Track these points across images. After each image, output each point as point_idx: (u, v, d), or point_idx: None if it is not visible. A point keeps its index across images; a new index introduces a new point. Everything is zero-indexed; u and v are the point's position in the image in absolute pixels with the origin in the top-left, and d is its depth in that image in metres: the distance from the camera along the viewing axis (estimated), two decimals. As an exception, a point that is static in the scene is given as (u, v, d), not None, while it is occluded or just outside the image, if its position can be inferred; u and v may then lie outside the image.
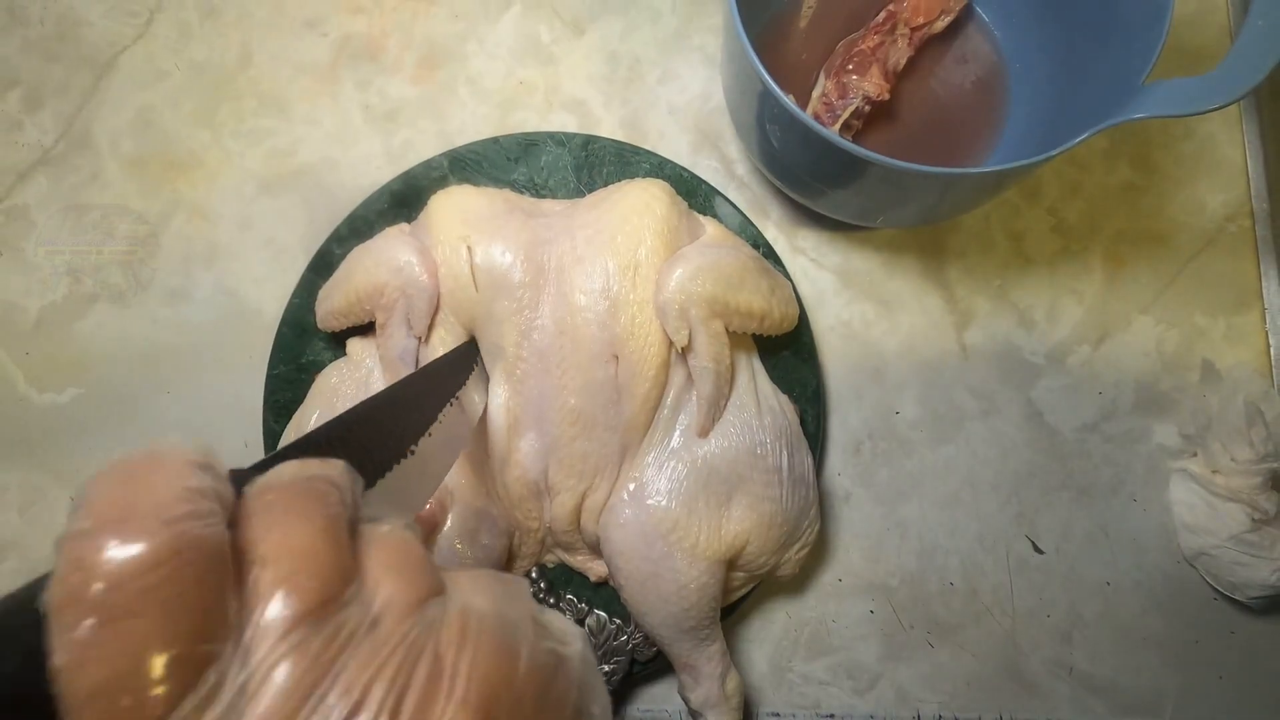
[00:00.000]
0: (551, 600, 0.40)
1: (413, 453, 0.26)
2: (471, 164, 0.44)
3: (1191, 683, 0.42)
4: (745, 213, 0.44)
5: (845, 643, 0.43)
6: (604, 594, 0.41)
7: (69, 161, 0.48)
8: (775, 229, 0.47)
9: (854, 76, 0.43)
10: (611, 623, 0.40)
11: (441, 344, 0.37)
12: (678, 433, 0.38)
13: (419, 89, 0.49)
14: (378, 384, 0.39)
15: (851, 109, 0.43)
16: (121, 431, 0.45)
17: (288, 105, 0.49)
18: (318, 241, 0.43)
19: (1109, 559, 0.43)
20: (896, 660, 0.43)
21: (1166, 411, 0.45)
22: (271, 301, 0.46)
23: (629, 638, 0.40)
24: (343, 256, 0.41)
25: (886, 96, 0.43)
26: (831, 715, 0.42)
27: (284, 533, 0.15)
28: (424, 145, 0.48)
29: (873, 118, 0.44)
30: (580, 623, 0.40)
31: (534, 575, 0.41)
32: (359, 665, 0.14)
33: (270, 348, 0.43)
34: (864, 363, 0.45)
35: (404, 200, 0.44)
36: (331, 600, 0.14)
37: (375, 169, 0.48)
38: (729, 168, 0.48)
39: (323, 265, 0.43)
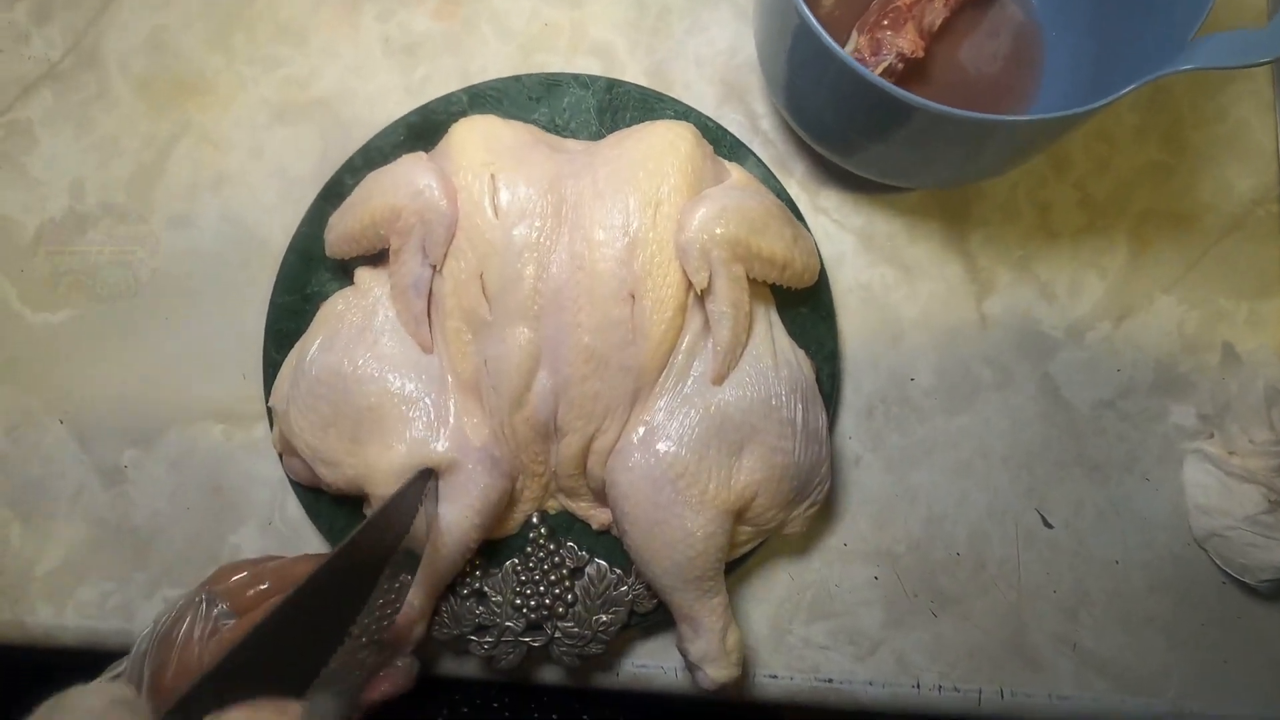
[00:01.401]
0: (552, 546, 0.39)
1: (350, 636, 0.25)
2: (492, 101, 0.43)
3: (1196, 665, 0.42)
4: (769, 168, 0.43)
5: (847, 608, 0.42)
6: (605, 543, 0.40)
7: (76, 78, 0.47)
8: (798, 187, 0.46)
9: (889, 32, 0.42)
10: (612, 572, 0.39)
11: (451, 276, 0.36)
12: (691, 379, 0.37)
13: (441, 24, 0.48)
14: (385, 314, 0.38)
15: (885, 65, 0.42)
16: (115, 356, 0.44)
17: (306, 34, 0.47)
18: (329, 174, 0.42)
19: (1118, 537, 0.43)
20: (898, 628, 0.42)
21: (1184, 392, 0.44)
22: (278, 232, 0.45)
23: (629, 589, 0.39)
24: (355, 187, 0.40)
25: (921, 54, 0.42)
26: (830, 680, 0.41)
27: None
28: (443, 82, 0.47)
29: (904, 78, 0.43)
30: (580, 571, 0.39)
31: (535, 520, 0.40)
32: None
33: (274, 278, 0.42)
34: (881, 327, 0.44)
35: (421, 133, 0.42)
36: None
37: (393, 103, 0.46)
38: (754, 123, 0.47)
39: (334, 194, 0.42)
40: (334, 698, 0.24)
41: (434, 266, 0.36)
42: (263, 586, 0.33)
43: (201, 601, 0.32)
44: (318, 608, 0.26)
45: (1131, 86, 0.31)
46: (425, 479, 0.35)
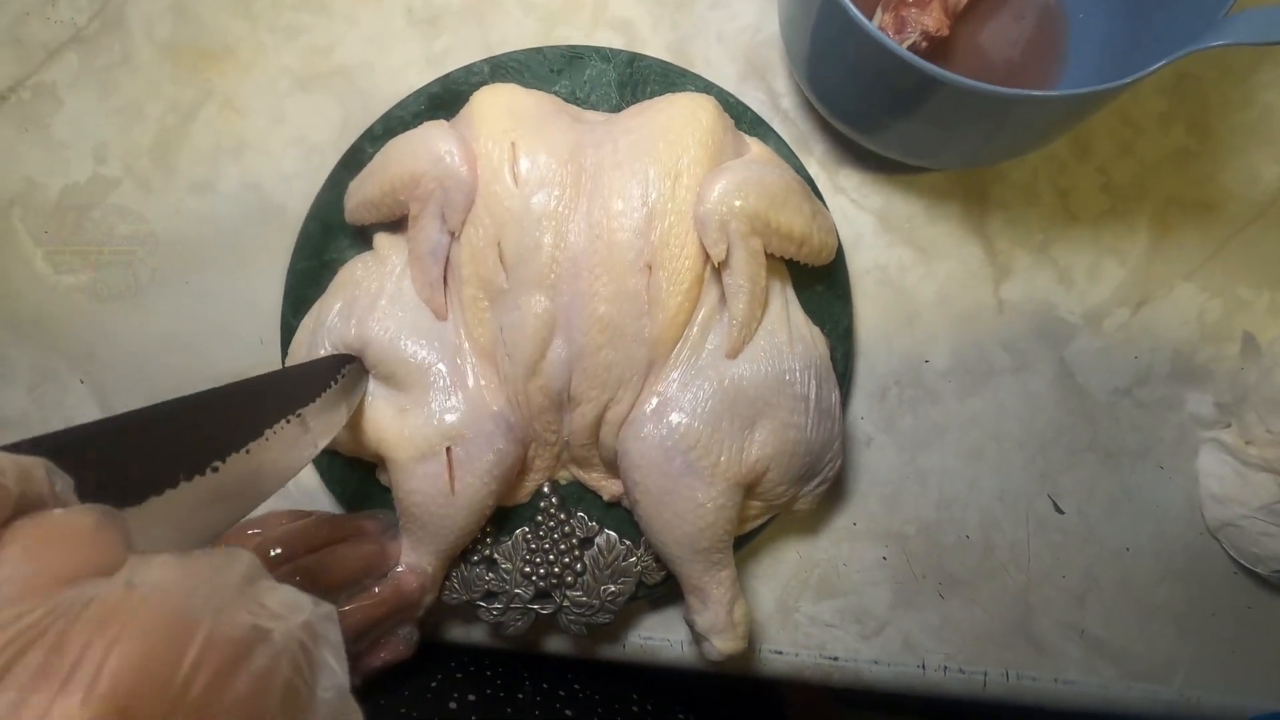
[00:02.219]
0: (563, 516, 0.40)
1: (214, 470, 0.23)
2: (513, 72, 0.43)
3: (1204, 655, 0.41)
4: (789, 147, 0.42)
5: (855, 587, 0.42)
6: (615, 514, 0.40)
7: (101, 42, 0.47)
8: (818, 166, 0.45)
9: (914, 10, 0.42)
10: (621, 543, 0.40)
11: (469, 243, 0.36)
12: (706, 352, 0.37)
13: (464, -4, 0.48)
14: (403, 280, 0.38)
15: (909, 43, 0.41)
16: (136, 318, 0.45)
17: (329, 2, 0.47)
18: (349, 142, 0.42)
19: (1130, 525, 0.43)
20: (906, 609, 0.42)
21: (1202, 381, 0.44)
22: (298, 199, 0.45)
23: (638, 560, 0.39)
24: (375, 155, 0.40)
25: (946, 32, 0.42)
26: (836, 658, 0.42)
27: None
28: (464, 54, 0.47)
29: (927, 58, 0.43)
30: (589, 542, 0.40)
31: (546, 490, 0.40)
32: None
33: (293, 245, 0.42)
34: (897, 308, 0.44)
35: (442, 103, 0.42)
36: None
37: (414, 74, 0.46)
38: (775, 101, 0.46)
39: (354, 162, 0.42)
40: (169, 544, 0.21)
41: (452, 233, 0.36)
42: (275, 551, 0.33)
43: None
44: (176, 429, 0.23)
45: (1162, 62, 0.31)
46: (344, 361, 0.34)
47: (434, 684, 0.40)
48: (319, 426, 0.30)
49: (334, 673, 0.17)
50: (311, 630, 0.17)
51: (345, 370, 0.34)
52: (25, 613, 0.13)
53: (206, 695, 0.14)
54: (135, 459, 0.21)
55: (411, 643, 0.36)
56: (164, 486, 0.21)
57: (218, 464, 0.23)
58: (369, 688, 0.37)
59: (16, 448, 0.18)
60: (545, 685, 0.42)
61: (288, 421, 0.28)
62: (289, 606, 0.17)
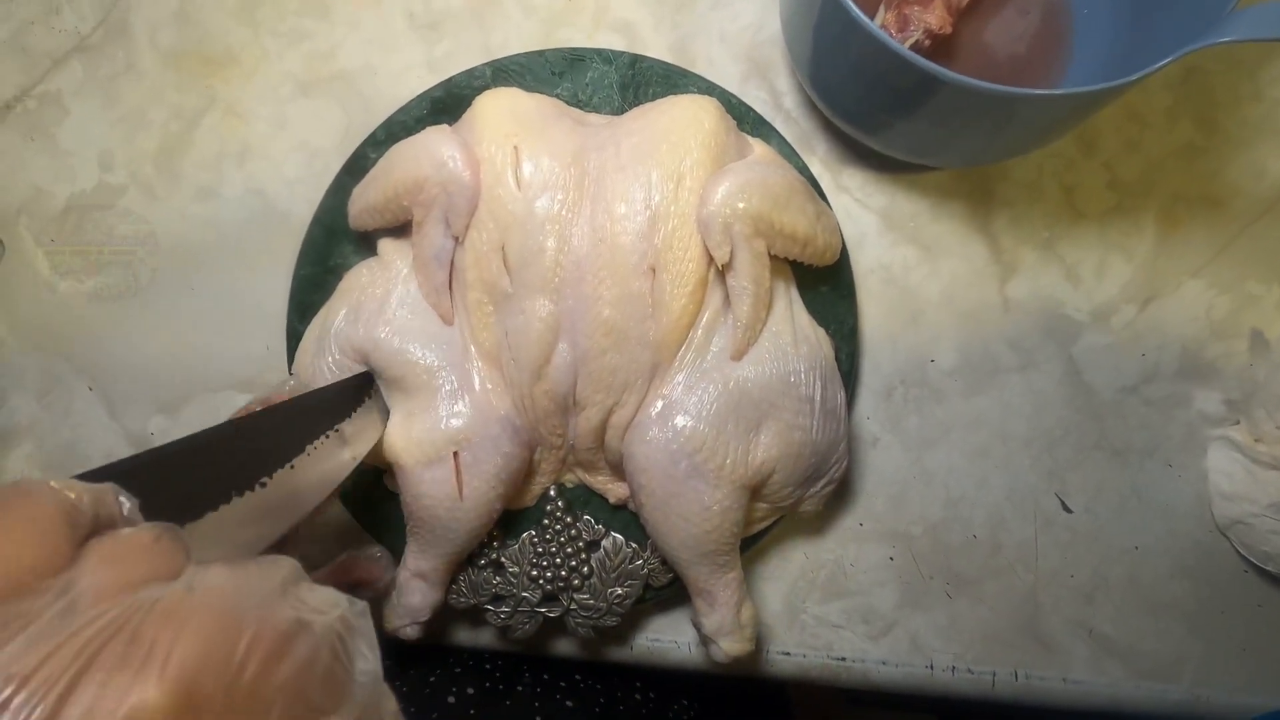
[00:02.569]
0: (569, 519, 0.40)
1: (263, 485, 0.25)
2: (515, 75, 0.43)
3: (1213, 653, 0.41)
4: (792, 146, 0.42)
5: (862, 587, 0.42)
6: (622, 517, 0.40)
7: (105, 50, 0.47)
8: (821, 165, 0.45)
9: (916, 8, 0.42)
10: (628, 546, 0.40)
11: (472, 248, 0.36)
12: (711, 354, 0.37)
13: (465, 0, 0.48)
14: (407, 285, 0.38)
15: (912, 41, 0.41)
16: (142, 325, 0.45)
17: (330, 7, 0.47)
18: (352, 147, 0.42)
19: (1139, 523, 0.42)
20: (913, 609, 0.42)
21: (1210, 378, 0.43)
22: (301, 205, 0.45)
23: (644, 563, 0.39)
24: (378, 161, 0.40)
25: (949, 30, 0.41)
26: (843, 658, 0.42)
27: None
28: (466, 57, 0.47)
29: (930, 56, 0.43)
30: (596, 545, 0.40)
31: (552, 493, 0.40)
32: (26, 647, 0.14)
33: (297, 250, 0.42)
34: (902, 307, 0.44)
35: (444, 108, 0.42)
36: (15, 590, 0.15)
37: (415, 78, 0.47)
38: (777, 100, 0.46)
39: (357, 168, 0.42)
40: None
41: (456, 238, 0.36)
42: None
43: None
44: (228, 450, 0.25)
45: (1168, 59, 0.30)
46: (370, 380, 0.35)
47: (432, 679, 0.40)
48: (356, 439, 0.33)
49: (367, 659, 0.19)
50: (347, 623, 0.19)
51: (378, 384, 0.35)
52: (105, 612, 0.15)
53: (258, 678, 0.16)
54: (193, 479, 0.23)
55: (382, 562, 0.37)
56: (219, 503, 0.23)
57: (265, 480, 0.25)
58: None
59: (89, 476, 0.20)
60: (546, 676, 0.42)
61: (327, 436, 0.30)
62: (327, 603, 0.19)
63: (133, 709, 0.14)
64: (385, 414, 0.36)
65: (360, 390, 0.35)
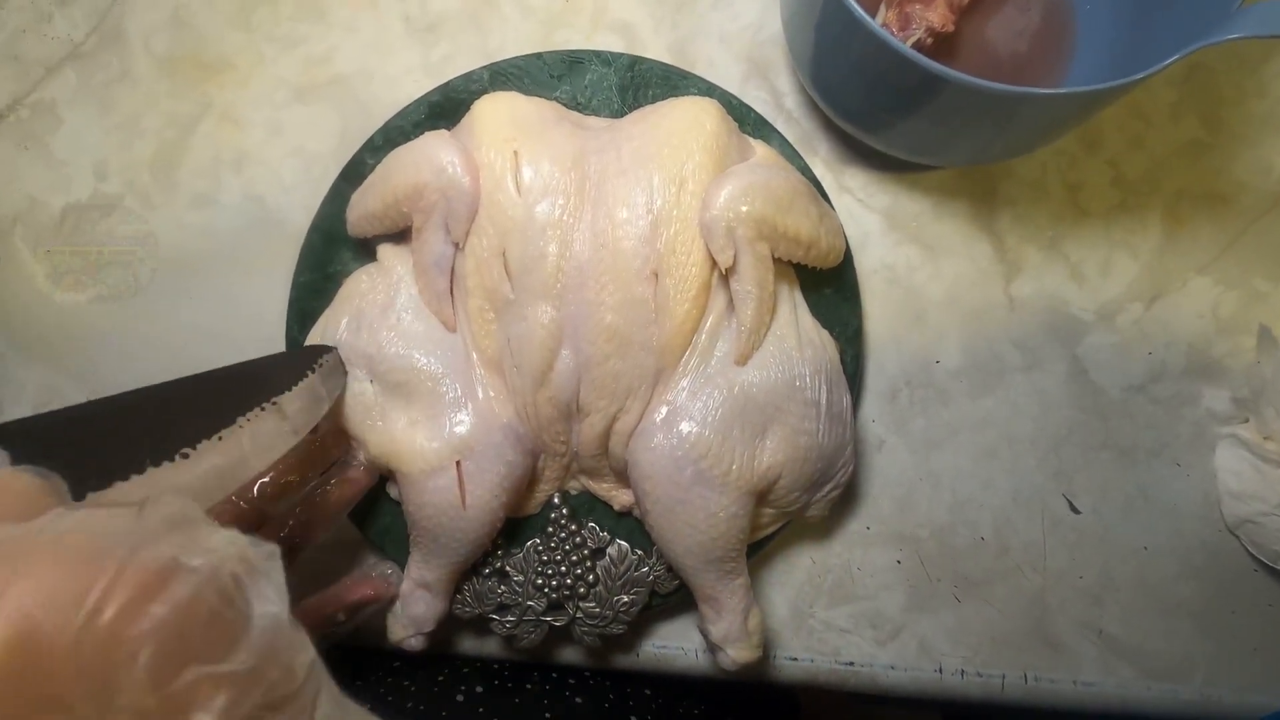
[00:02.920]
0: (574, 527, 0.39)
1: (184, 456, 0.23)
2: (513, 78, 0.43)
3: (1224, 653, 0.41)
4: (794, 147, 0.42)
5: (869, 592, 0.42)
6: (626, 524, 0.40)
7: (99, 58, 0.47)
8: (823, 166, 0.45)
9: (918, 6, 0.41)
10: (633, 553, 0.39)
11: (473, 254, 0.36)
12: (715, 359, 0.36)
13: (462, 2, 0.47)
14: (408, 292, 0.37)
15: (914, 39, 0.41)
16: (140, 335, 0.45)
17: (326, 11, 0.47)
18: (349, 153, 0.42)
19: (1147, 523, 0.42)
20: (921, 612, 0.42)
21: (1217, 377, 0.43)
22: (299, 211, 0.45)
23: (650, 569, 0.39)
24: (376, 166, 0.40)
25: (951, 28, 0.41)
26: (851, 663, 0.41)
27: None
28: (463, 60, 0.46)
29: (932, 54, 0.42)
30: (601, 552, 0.39)
31: (556, 501, 0.40)
32: None
33: (296, 257, 0.42)
34: (906, 308, 0.44)
35: (442, 112, 0.42)
36: None
37: (413, 82, 0.46)
38: (778, 100, 0.46)
39: (355, 174, 0.41)
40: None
41: (456, 244, 0.36)
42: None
43: None
44: (149, 416, 0.23)
45: (1175, 56, 0.30)
46: (322, 351, 0.33)
47: (441, 677, 0.40)
48: (296, 415, 0.30)
49: (271, 603, 0.17)
50: (248, 564, 0.17)
51: (323, 360, 0.33)
52: None
53: (118, 621, 0.15)
54: (103, 444, 0.21)
55: (392, 585, 0.36)
56: (129, 471, 0.21)
57: (188, 451, 0.23)
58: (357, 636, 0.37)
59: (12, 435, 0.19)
60: (554, 674, 0.42)
61: (262, 409, 0.28)
62: (226, 542, 0.17)
63: None
64: (333, 391, 0.34)
65: (305, 363, 0.33)
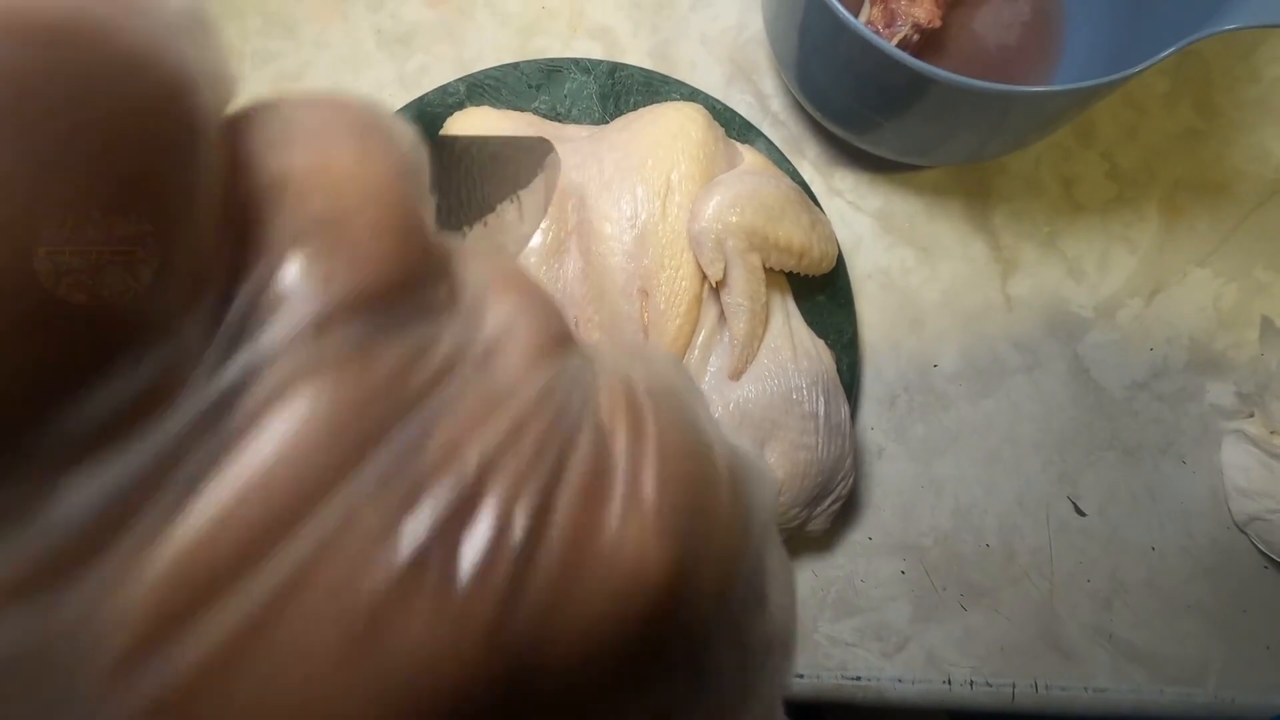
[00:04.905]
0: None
1: (488, 220, 0.19)
2: (490, 90, 0.42)
3: (1237, 653, 0.40)
4: (781, 150, 0.41)
5: (874, 603, 0.41)
6: (624, 545, 0.39)
7: (63, 82, 0.45)
8: (812, 169, 0.44)
9: (903, 2, 0.40)
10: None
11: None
12: (709, 376, 0.35)
13: (435, 12, 0.46)
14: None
15: (900, 37, 0.40)
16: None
17: (296, 26, 0.46)
18: (325, 171, 0.41)
19: (1155, 523, 0.41)
20: (927, 622, 0.41)
21: (1221, 370, 0.42)
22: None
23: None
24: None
25: (938, 24, 0.40)
26: (858, 677, 0.40)
27: (321, 154, 0.08)
28: (439, 72, 0.45)
29: (920, 50, 0.41)
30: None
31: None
32: (469, 418, 0.08)
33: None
34: (902, 312, 0.43)
35: (418, 128, 0.41)
36: (404, 287, 0.08)
37: (388, 96, 0.45)
38: (764, 103, 0.45)
39: (331, 194, 0.40)
40: None
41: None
42: None
43: None
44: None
45: (1167, 51, 0.29)
46: (549, 148, 0.31)
47: None
48: (529, 216, 0.27)
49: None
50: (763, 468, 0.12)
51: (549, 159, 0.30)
52: (549, 381, 0.09)
53: (728, 536, 0.10)
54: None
55: None
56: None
57: (466, 230, 0.19)
58: None
59: None
60: None
61: (510, 201, 0.25)
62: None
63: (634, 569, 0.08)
64: (550, 194, 0.31)
65: (541, 155, 0.29)
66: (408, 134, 0.10)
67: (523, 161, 0.26)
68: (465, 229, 0.19)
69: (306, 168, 0.08)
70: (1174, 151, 0.44)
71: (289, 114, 0.08)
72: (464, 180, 0.20)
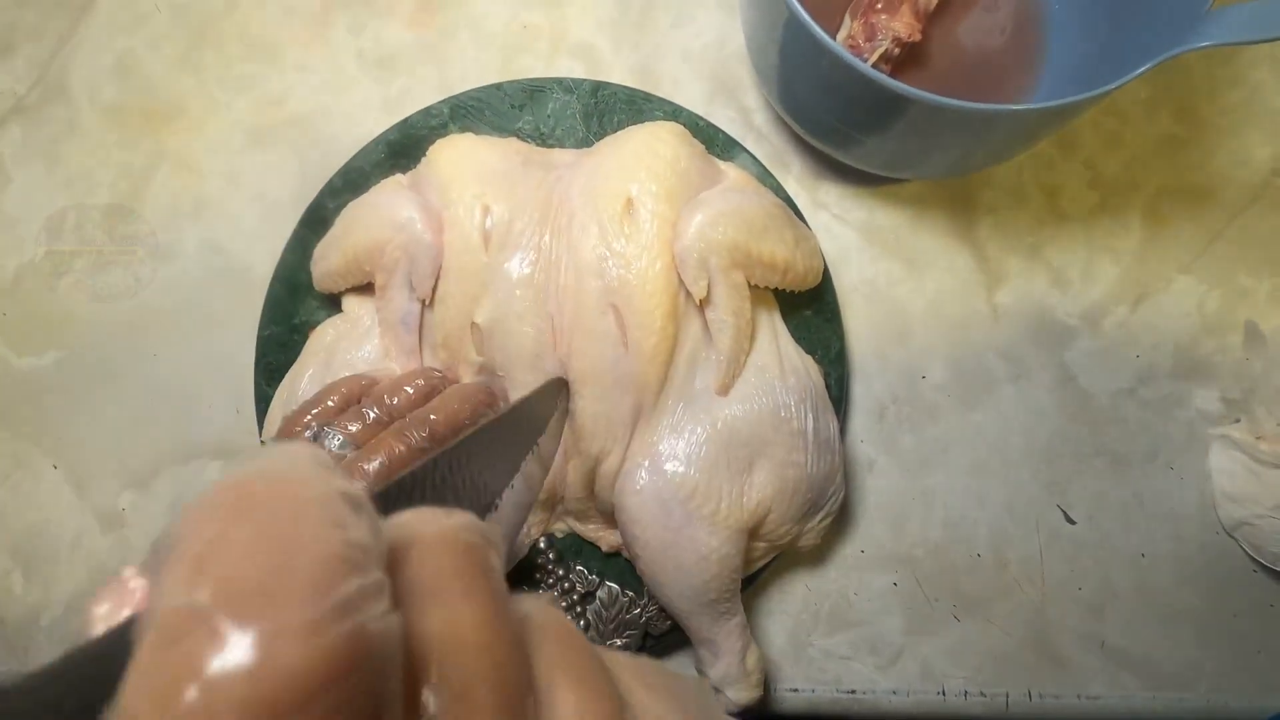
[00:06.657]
0: (561, 571, 0.38)
1: (495, 508, 0.21)
2: (473, 112, 0.42)
3: (1228, 658, 0.40)
4: (764, 166, 0.41)
5: (867, 616, 0.41)
6: (616, 565, 0.39)
7: (44, 111, 0.45)
8: (796, 183, 0.44)
9: (883, 16, 0.40)
10: (624, 595, 0.38)
11: (441, 303, 0.34)
12: (695, 393, 0.35)
13: (416, 34, 0.46)
14: (376, 343, 0.36)
15: (880, 51, 0.40)
16: (105, 396, 0.43)
17: (277, 50, 0.46)
18: (310, 195, 0.41)
19: (1144, 530, 0.42)
20: (920, 634, 0.41)
21: (1207, 376, 0.42)
22: (262, 258, 0.43)
23: (642, 611, 0.38)
24: (337, 210, 0.39)
25: (918, 37, 0.40)
26: (853, 691, 0.40)
27: (449, 617, 0.11)
28: (422, 94, 0.45)
29: (901, 64, 0.42)
30: (591, 596, 0.38)
31: (543, 545, 0.39)
32: None
33: (261, 307, 0.40)
34: (889, 324, 0.43)
35: (401, 150, 0.41)
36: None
37: (371, 119, 0.45)
38: (747, 118, 0.45)
39: (316, 220, 0.40)
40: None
41: (422, 301, 0.35)
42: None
43: (314, 432, 0.30)
44: (475, 466, 0.21)
45: (1144, 67, 0.29)
46: (563, 385, 0.32)
47: None
48: (546, 455, 0.28)
49: None
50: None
51: (563, 393, 0.32)
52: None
53: None
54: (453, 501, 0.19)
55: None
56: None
57: (497, 501, 0.21)
58: None
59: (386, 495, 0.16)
60: None
61: (531, 453, 0.25)
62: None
63: None
64: (563, 421, 0.32)
65: (553, 398, 0.30)
66: (482, 528, 0.12)
67: (531, 417, 0.27)
68: (496, 501, 0.21)
69: (435, 637, 0.11)
70: (1156, 159, 0.44)
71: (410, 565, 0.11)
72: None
